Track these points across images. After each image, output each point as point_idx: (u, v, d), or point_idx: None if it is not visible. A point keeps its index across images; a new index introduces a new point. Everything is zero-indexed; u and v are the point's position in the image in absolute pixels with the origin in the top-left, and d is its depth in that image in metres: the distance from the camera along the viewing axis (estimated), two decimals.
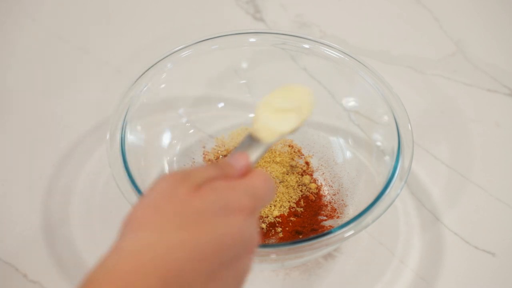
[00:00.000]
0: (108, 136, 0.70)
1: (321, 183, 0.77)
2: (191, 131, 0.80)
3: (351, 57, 0.77)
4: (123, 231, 0.47)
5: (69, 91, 0.88)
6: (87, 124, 0.84)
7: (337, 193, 0.75)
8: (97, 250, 0.73)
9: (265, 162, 0.77)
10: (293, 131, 0.55)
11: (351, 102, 0.80)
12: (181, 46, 0.77)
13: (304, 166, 0.77)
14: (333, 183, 0.76)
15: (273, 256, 0.64)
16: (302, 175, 0.76)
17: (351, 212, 0.73)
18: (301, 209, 0.73)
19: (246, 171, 0.51)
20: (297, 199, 0.74)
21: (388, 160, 0.70)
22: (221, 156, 0.78)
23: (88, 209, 0.76)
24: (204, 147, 0.79)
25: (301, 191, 0.75)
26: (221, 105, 0.82)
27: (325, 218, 0.73)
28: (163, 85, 0.77)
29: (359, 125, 0.78)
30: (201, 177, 0.49)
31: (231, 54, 0.80)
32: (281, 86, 0.57)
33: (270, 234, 0.72)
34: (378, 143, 0.75)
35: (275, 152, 0.78)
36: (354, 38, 0.95)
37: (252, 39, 0.79)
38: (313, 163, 0.78)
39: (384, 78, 0.75)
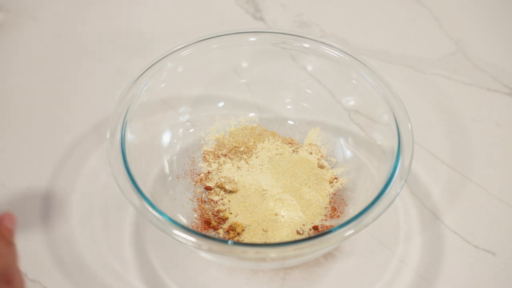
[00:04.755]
0: (108, 136, 0.70)
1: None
2: (191, 130, 0.80)
3: (351, 56, 0.77)
4: None
5: (69, 91, 0.88)
6: (87, 124, 0.84)
7: (337, 192, 0.75)
8: (97, 250, 0.73)
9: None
10: None
11: (351, 101, 0.80)
12: (181, 45, 0.77)
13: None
14: (332, 182, 0.76)
15: (273, 255, 0.64)
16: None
17: (351, 211, 0.73)
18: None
19: None
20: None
21: (388, 159, 0.70)
22: (221, 156, 0.78)
23: (88, 209, 0.76)
24: (204, 146, 0.79)
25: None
26: (221, 104, 0.82)
27: (325, 217, 0.73)
28: (163, 84, 0.77)
29: (359, 124, 0.78)
30: None
31: (231, 53, 0.80)
32: None
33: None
34: (378, 142, 0.75)
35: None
36: (354, 38, 0.95)
37: (252, 39, 0.79)
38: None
39: (384, 77, 0.75)
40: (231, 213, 0.73)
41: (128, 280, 0.71)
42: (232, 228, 0.72)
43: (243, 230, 0.72)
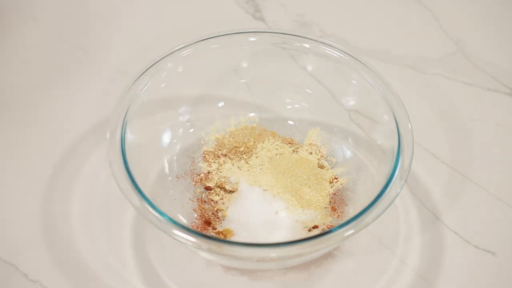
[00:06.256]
0: (108, 136, 0.70)
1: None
2: (191, 130, 0.80)
3: (351, 56, 0.77)
4: None
5: (69, 91, 0.88)
6: (87, 124, 0.84)
7: (337, 192, 0.75)
8: (97, 250, 0.73)
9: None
10: None
11: (351, 101, 0.80)
12: (181, 45, 0.77)
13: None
14: (332, 182, 0.76)
15: (273, 255, 0.64)
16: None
17: (351, 211, 0.73)
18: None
19: None
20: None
21: (388, 159, 0.70)
22: (221, 156, 0.78)
23: (88, 209, 0.76)
24: (204, 146, 0.79)
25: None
26: (221, 104, 0.82)
27: (324, 217, 0.73)
28: (163, 84, 0.77)
29: (359, 124, 0.78)
30: None
31: (231, 53, 0.80)
32: None
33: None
34: (378, 142, 0.75)
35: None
36: (354, 38, 0.95)
37: (252, 38, 0.79)
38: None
39: (384, 77, 0.75)
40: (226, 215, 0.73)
41: (128, 280, 0.71)
42: (222, 233, 0.71)
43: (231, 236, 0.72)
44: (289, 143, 0.79)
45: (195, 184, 0.76)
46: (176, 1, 0.99)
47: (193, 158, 0.78)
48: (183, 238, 0.64)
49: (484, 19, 0.98)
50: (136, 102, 0.73)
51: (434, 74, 0.91)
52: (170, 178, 0.76)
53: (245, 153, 0.78)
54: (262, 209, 0.73)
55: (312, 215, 0.73)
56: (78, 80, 0.89)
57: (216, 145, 0.79)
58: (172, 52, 0.77)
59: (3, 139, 0.82)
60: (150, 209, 0.66)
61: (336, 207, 0.74)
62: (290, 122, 0.81)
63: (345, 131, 0.79)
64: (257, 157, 0.78)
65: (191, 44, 0.77)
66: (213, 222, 0.73)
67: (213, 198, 0.75)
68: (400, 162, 0.68)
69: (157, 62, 0.76)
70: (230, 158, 0.78)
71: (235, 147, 0.79)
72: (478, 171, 0.80)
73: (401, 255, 0.73)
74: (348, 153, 0.78)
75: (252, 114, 0.82)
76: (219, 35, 0.78)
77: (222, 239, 0.68)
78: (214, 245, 0.64)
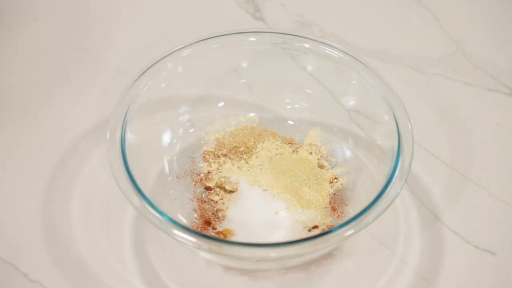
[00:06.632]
0: (108, 136, 0.70)
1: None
2: (191, 130, 0.80)
3: (351, 56, 0.77)
4: None
5: (69, 91, 0.88)
6: (87, 124, 0.84)
7: (337, 192, 0.75)
8: (97, 250, 0.73)
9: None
10: None
11: (351, 101, 0.80)
12: (181, 45, 0.77)
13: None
14: (332, 182, 0.76)
15: (273, 255, 0.64)
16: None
17: (351, 211, 0.73)
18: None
19: None
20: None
21: (388, 159, 0.70)
22: (221, 156, 0.78)
23: (88, 209, 0.76)
24: (204, 146, 0.79)
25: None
26: (221, 104, 0.82)
27: (325, 217, 0.73)
28: (163, 84, 0.77)
29: (359, 124, 0.78)
30: None
31: (231, 53, 0.80)
32: None
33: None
34: (378, 142, 0.75)
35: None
36: (354, 38, 0.95)
37: (252, 39, 0.79)
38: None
39: (384, 77, 0.75)
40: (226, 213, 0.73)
41: (128, 280, 0.71)
42: (222, 233, 0.71)
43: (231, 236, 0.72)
44: (289, 143, 0.79)
45: (195, 184, 0.76)
46: (176, 1, 0.99)
47: (193, 158, 0.78)
48: (183, 238, 0.64)
49: (484, 19, 0.98)
50: (136, 102, 0.73)
51: (434, 74, 0.91)
52: (170, 178, 0.76)
53: (245, 153, 0.78)
54: (262, 209, 0.73)
55: (312, 215, 0.73)
56: (78, 80, 0.89)
57: (216, 145, 0.79)
58: (172, 52, 0.77)
59: (3, 139, 0.82)
60: (150, 209, 0.66)
61: (336, 207, 0.74)
62: (290, 122, 0.81)
63: (345, 131, 0.79)
64: (257, 157, 0.78)
65: (191, 44, 0.77)
66: (213, 222, 0.73)
67: (213, 198, 0.75)
68: (400, 162, 0.68)
69: (157, 62, 0.76)
70: (230, 158, 0.78)
71: (235, 147, 0.79)
72: (478, 171, 0.80)
73: (401, 255, 0.73)
74: (348, 153, 0.78)
75: (252, 114, 0.82)
76: (219, 35, 0.78)
77: (222, 239, 0.68)
78: (214, 245, 0.64)
